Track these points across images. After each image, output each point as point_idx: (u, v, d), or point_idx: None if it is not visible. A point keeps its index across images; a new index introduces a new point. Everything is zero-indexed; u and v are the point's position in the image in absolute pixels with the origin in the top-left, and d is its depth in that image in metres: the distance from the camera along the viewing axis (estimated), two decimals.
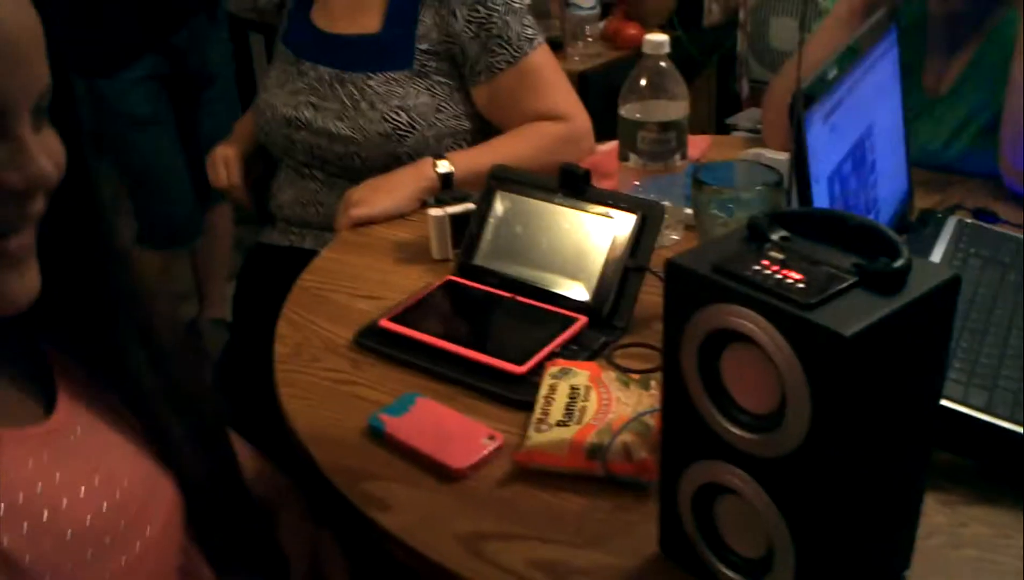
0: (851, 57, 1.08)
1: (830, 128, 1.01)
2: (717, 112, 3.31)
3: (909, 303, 0.66)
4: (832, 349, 0.62)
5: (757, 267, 0.69)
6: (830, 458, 0.67)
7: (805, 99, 0.94)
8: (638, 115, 1.33)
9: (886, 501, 0.75)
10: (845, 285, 0.67)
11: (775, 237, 0.72)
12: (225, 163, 1.86)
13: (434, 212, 1.37)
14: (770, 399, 0.68)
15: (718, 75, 3.31)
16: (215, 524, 0.86)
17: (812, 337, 0.63)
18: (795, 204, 0.95)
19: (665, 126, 1.32)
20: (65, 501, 0.70)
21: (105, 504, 0.73)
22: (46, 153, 0.68)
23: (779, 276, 0.67)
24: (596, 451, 0.93)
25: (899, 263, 0.67)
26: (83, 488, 0.72)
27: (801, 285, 0.66)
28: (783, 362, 0.65)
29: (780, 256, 0.70)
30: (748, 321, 0.67)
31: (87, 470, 0.73)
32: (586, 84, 2.65)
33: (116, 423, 0.80)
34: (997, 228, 1.34)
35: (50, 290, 0.72)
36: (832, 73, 1.01)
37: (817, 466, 0.67)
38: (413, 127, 1.64)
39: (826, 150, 1.01)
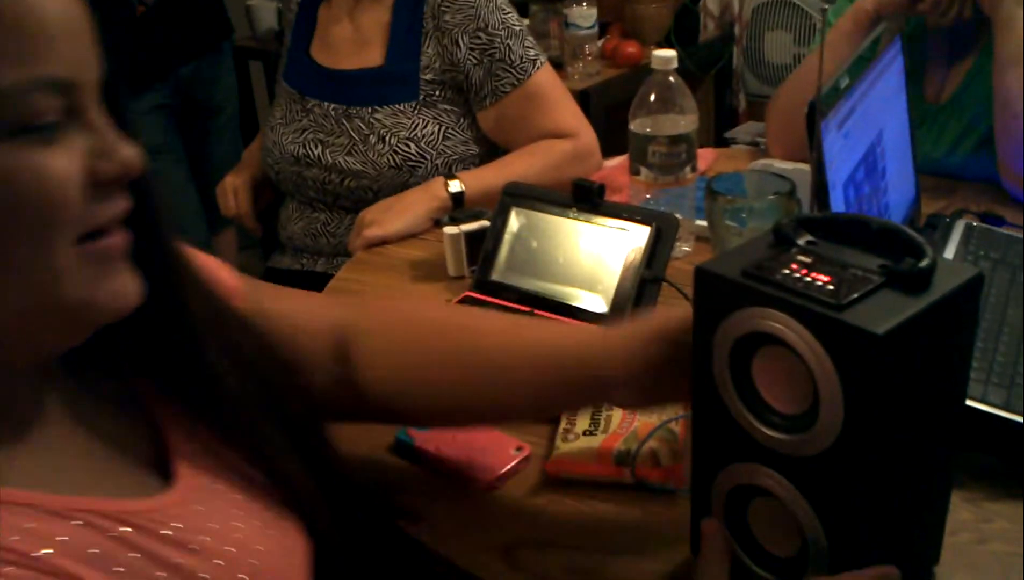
0: (862, 65, 1.11)
1: (844, 135, 1.03)
2: (716, 126, 3.34)
3: (936, 301, 0.67)
4: (865, 347, 0.64)
5: (786, 271, 0.70)
6: (863, 455, 0.68)
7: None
8: (648, 129, 1.35)
9: (916, 496, 0.77)
10: (873, 286, 0.68)
11: (801, 242, 0.74)
12: (235, 192, 1.88)
13: (449, 230, 1.39)
14: (802, 399, 0.70)
15: (716, 89, 3.34)
16: (342, 563, 0.81)
17: (844, 337, 0.65)
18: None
19: (675, 140, 1.34)
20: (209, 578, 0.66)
21: (245, 575, 0.68)
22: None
23: (808, 279, 0.69)
24: (624, 458, 0.94)
25: (925, 263, 0.68)
26: (220, 560, 0.67)
27: (830, 287, 0.67)
28: (815, 362, 0.67)
29: (807, 260, 0.71)
30: (779, 323, 0.68)
31: (221, 539, 0.69)
32: (587, 101, 2.67)
33: (232, 473, 0.75)
34: (1004, 231, 1.35)
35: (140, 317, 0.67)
36: (844, 82, 1.04)
37: (850, 463, 0.69)
38: (423, 157, 1.66)
39: (841, 157, 1.03)
